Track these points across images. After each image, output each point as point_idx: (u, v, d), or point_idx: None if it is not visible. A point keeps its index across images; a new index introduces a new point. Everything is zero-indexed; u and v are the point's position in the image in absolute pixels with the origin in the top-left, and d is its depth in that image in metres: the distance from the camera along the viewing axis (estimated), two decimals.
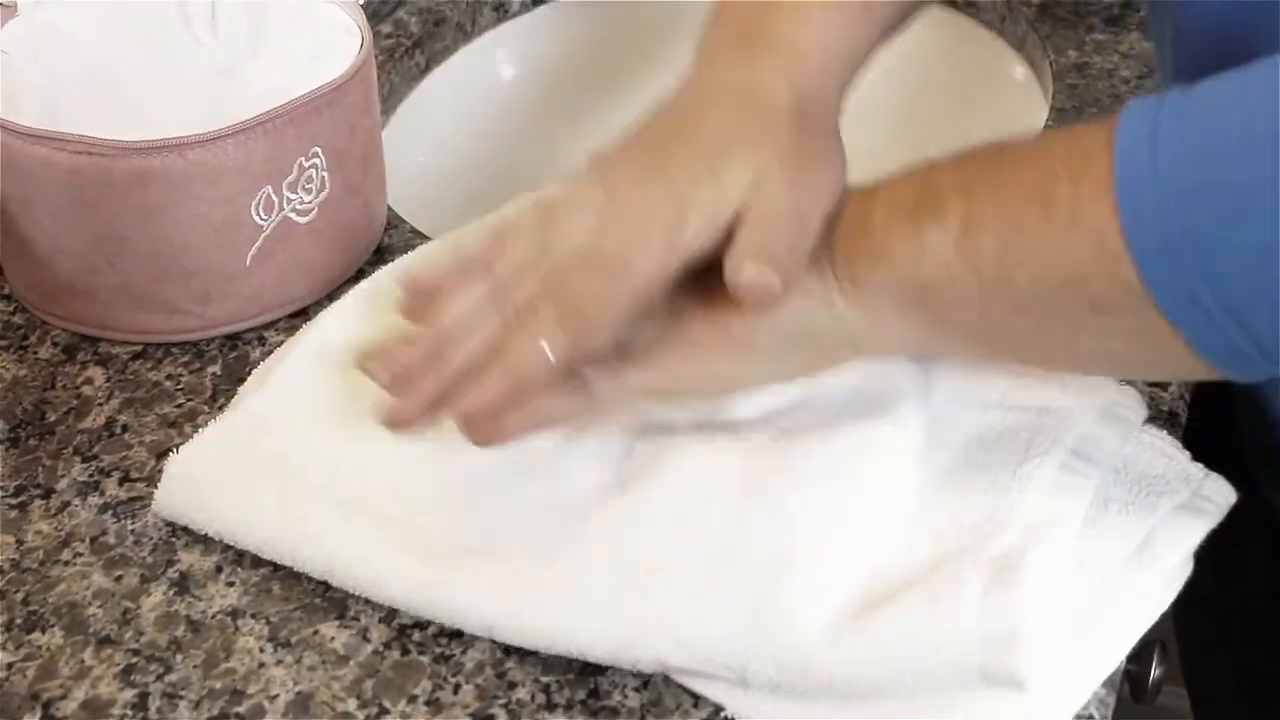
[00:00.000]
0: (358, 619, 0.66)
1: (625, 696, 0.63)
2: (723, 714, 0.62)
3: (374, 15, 1.08)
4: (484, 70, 1.15)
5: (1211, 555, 0.67)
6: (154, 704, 0.64)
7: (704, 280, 0.63)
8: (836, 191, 0.63)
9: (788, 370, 0.65)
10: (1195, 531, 0.66)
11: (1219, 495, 0.68)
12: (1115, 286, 0.55)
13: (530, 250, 0.63)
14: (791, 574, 0.63)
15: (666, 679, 0.64)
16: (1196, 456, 0.69)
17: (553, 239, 0.63)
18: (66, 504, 0.72)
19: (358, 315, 0.77)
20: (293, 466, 0.70)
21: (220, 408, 0.77)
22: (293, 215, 0.80)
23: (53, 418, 0.77)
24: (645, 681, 0.64)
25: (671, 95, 0.67)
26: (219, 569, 0.69)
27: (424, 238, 0.89)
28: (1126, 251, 0.54)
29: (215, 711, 0.63)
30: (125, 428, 0.76)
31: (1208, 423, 0.80)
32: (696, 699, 0.63)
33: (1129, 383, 0.72)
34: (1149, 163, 0.54)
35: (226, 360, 0.80)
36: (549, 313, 0.61)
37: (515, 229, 0.65)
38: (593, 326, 0.61)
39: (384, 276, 0.80)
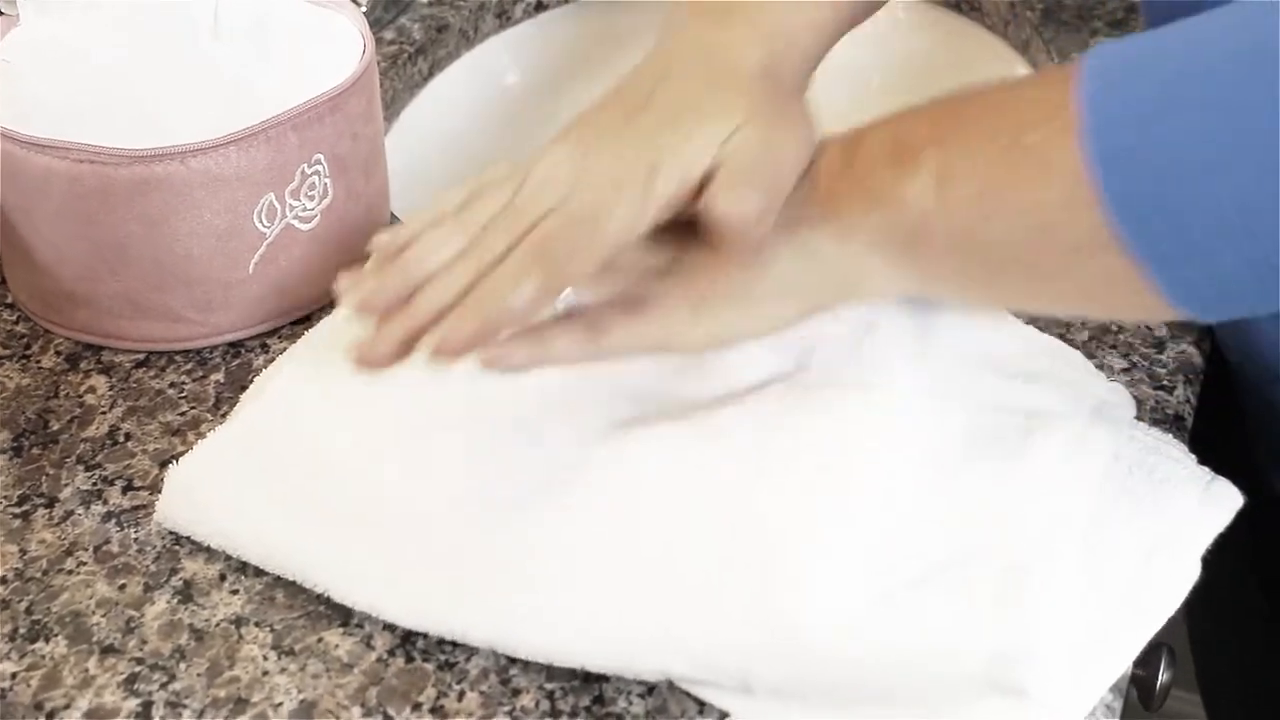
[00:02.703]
0: (361, 626, 0.66)
1: (630, 703, 0.63)
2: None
3: (376, 22, 1.08)
4: (486, 77, 1.15)
5: (1221, 558, 0.67)
6: (158, 713, 0.63)
7: (704, 237, 0.65)
8: (807, 149, 0.65)
9: (788, 317, 0.67)
10: (1203, 535, 0.66)
11: (1226, 498, 0.67)
12: (1088, 230, 0.56)
13: (503, 203, 0.66)
14: (791, 578, 0.62)
15: (671, 686, 0.63)
16: (1203, 460, 0.69)
17: (526, 193, 0.65)
18: (70, 513, 0.72)
19: (358, 323, 0.77)
20: (292, 478, 0.69)
21: (223, 415, 0.76)
22: (295, 222, 0.80)
23: (56, 426, 0.77)
24: (650, 688, 0.64)
25: (640, 64, 0.69)
26: (222, 577, 0.69)
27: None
28: (1096, 196, 0.55)
29: None
30: (128, 436, 0.76)
31: (1213, 425, 0.80)
32: (701, 705, 0.63)
33: (1129, 382, 0.71)
34: (1114, 108, 0.55)
35: (229, 368, 0.80)
36: (523, 258, 0.63)
37: (488, 185, 0.68)
38: (565, 272, 0.63)
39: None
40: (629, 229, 0.63)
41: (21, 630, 0.67)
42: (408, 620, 0.65)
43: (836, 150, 0.66)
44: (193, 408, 0.78)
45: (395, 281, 0.66)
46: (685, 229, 0.65)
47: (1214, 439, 0.77)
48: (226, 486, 0.70)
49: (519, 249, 0.64)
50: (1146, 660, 0.69)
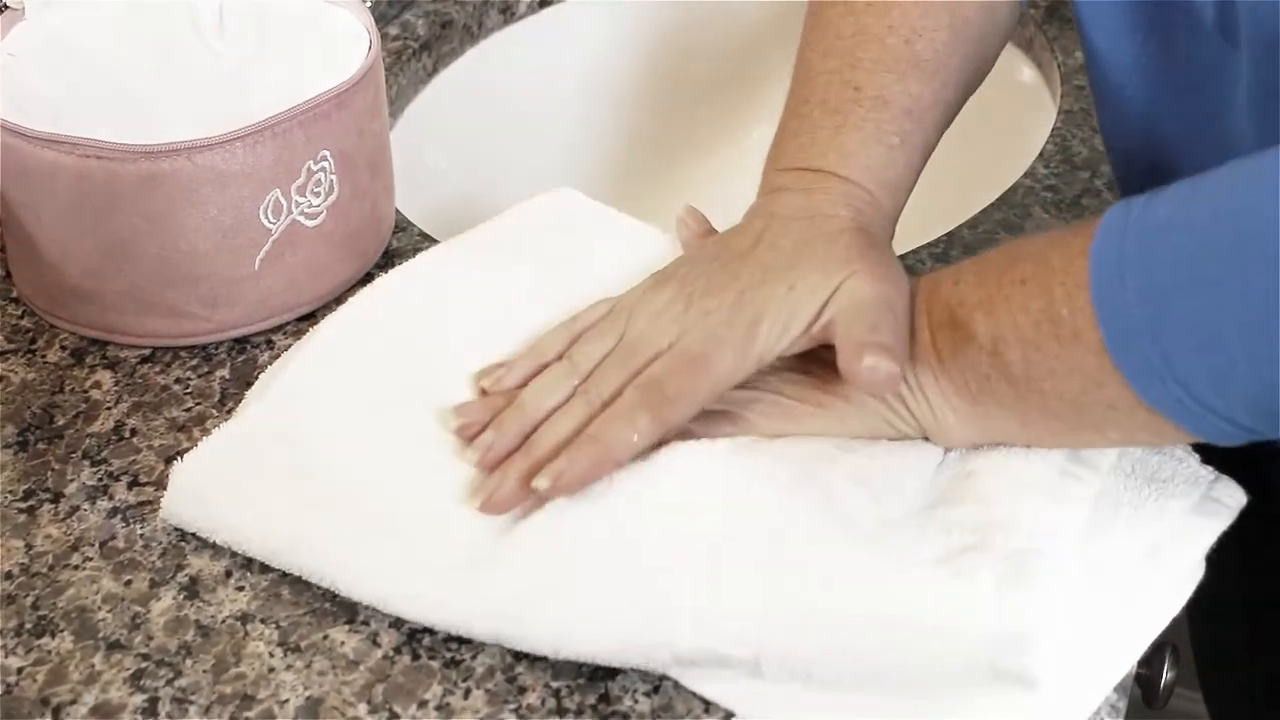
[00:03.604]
0: (368, 623, 0.66)
1: (636, 701, 0.63)
2: (733, 719, 0.62)
3: (381, 18, 1.08)
4: (491, 73, 1.15)
5: (1224, 557, 0.67)
6: (164, 709, 0.64)
7: (793, 363, 0.69)
8: (908, 291, 0.69)
9: (869, 435, 0.69)
10: (1206, 534, 0.66)
11: (1229, 497, 0.68)
12: (1122, 393, 0.61)
13: (608, 346, 0.70)
14: (800, 558, 0.63)
15: (677, 685, 0.63)
16: (1206, 459, 0.69)
17: (635, 335, 0.70)
18: (75, 508, 0.72)
19: (364, 319, 0.77)
20: (297, 475, 0.69)
21: (228, 411, 0.77)
22: (301, 219, 0.80)
23: (61, 422, 0.77)
24: (656, 686, 0.64)
25: (743, 220, 0.74)
26: (228, 573, 0.69)
27: (432, 240, 0.89)
28: (1119, 370, 0.60)
29: (225, 716, 0.63)
30: (134, 432, 0.76)
31: None
32: (707, 704, 0.63)
33: None
34: (1119, 295, 0.60)
35: (235, 364, 0.80)
36: (635, 398, 0.67)
37: (590, 327, 0.72)
38: (674, 411, 0.67)
39: (391, 279, 0.80)
40: (731, 375, 0.67)
41: (28, 625, 0.67)
42: (412, 611, 0.65)
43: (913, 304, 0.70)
44: (198, 404, 0.78)
45: (514, 428, 0.69)
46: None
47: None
48: (232, 483, 0.70)
49: (631, 388, 0.68)
50: (1150, 659, 0.70)
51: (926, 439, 0.69)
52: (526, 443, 0.69)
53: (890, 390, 0.66)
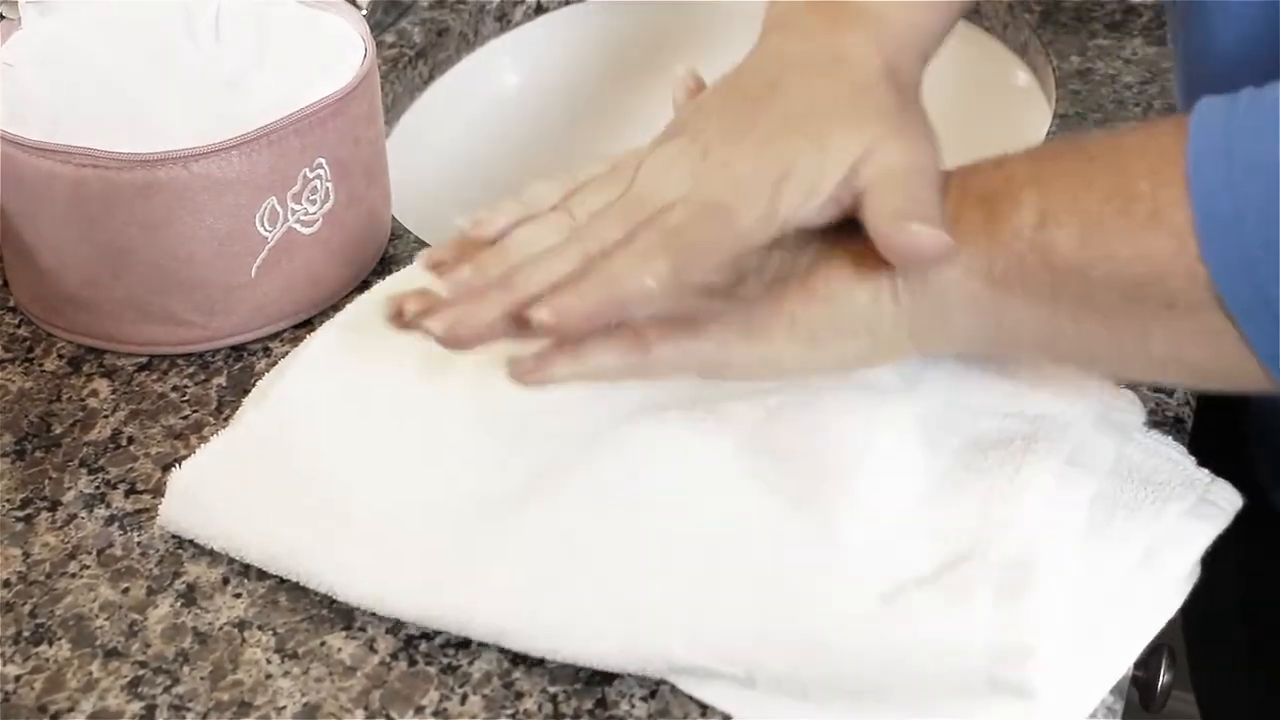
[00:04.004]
0: (364, 629, 0.66)
1: (633, 706, 0.63)
2: None
3: (377, 26, 1.08)
4: (487, 80, 1.15)
5: (1219, 560, 0.67)
6: (161, 716, 0.64)
7: (774, 261, 0.62)
8: (939, 155, 0.62)
9: (844, 361, 0.63)
10: (1202, 537, 0.66)
11: (1225, 500, 0.68)
12: (1191, 287, 0.55)
13: (613, 197, 0.62)
14: (797, 568, 0.63)
15: (674, 689, 0.64)
16: (1202, 462, 0.69)
17: (643, 184, 0.61)
18: (73, 516, 0.72)
19: (361, 327, 0.77)
20: (295, 481, 0.70)
21: (226, 419, 0.77)
22: (297, 226, 0.80)
23: (58, 430, 0.77)
24: (653, 691, 0.64)
25: (748, 60, 0.65)
26: (226, 580, 0.69)
27: (429, 247, 0.89)
28: (1203, 256, 0.54)
29: None
30: (131, 440, 0.76)
31: (1213, 428, 0.80)
32: (704, 708, 0.63)
33: (1131, 386, 0.72)
34: (1223, 173, 0.53)
35: (232, 371, 0.80)
36: (653, 241, 0.59)
37: (588, 180, 0.64)
38: (695, 263, 0.59)
39: (387, 287, 0.80)
40: (757, 233, 0.59)
41: (25, 633, 0.67)
42: (410, 614, 0.65)
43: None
44: (195, 411, 0.78)
45: (494, 266, 0.61)
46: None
47: (1213, 441, 0.77)
48: (229, 490, 0.70)
49: (644, 234, 0.59)
50: (1147, 661, 0.70)
51: (913, 345, 0.62)
52: (505, 277, 0.60)
53: (940, 261, 0.58)
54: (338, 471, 0.70)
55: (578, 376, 0.61)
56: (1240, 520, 0.67)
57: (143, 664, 0.66)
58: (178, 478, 0.71)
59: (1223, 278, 0.54)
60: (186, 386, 0.79)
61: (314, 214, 0.81)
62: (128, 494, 0.73)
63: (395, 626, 0.66)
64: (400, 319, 0.62)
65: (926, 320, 0.61)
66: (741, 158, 0.60)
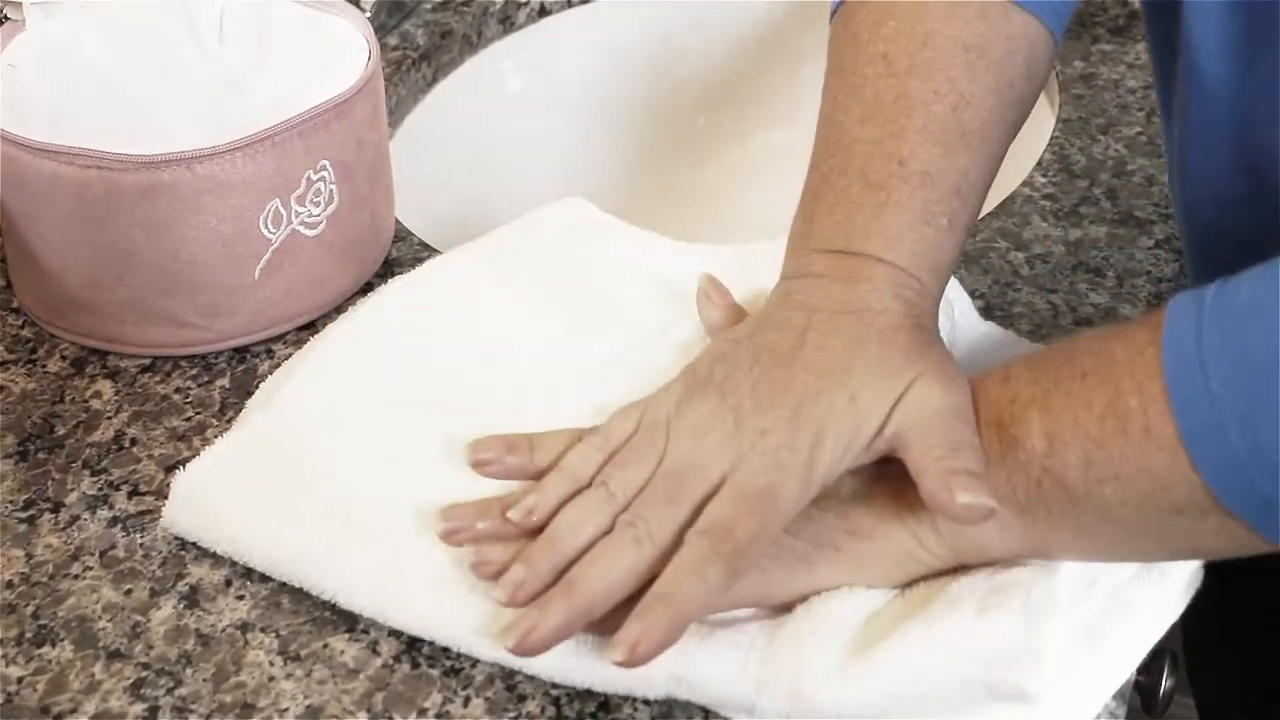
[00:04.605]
0: (367, 632, 0.66)
1: (635, 710, 0.63)
2: None
3: (381, 28, 1.08)
4: (491, 82, 1.15)
5: (1221, 565, 0.67)
6: (164, 718, 0.64)
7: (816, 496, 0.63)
8: (969, 392, 0.63)
9: (886, 582, 0.64)
10: None
11: None
12: (1193, 495, 0.56)
13: (648, 469, 0.63)
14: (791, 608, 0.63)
15: None
16: None
17: (678, 461, 0.62)
18: (76, 518, 0.72)
19: (365, 330, 0.78)
20: (298, 486, 0.69)
21: (229, 421, 0.77)
22: (301, 228, 0.80)
23: (62, 431, 0.77)
24: None
25: (773, 311, 0.67)
26: (228, 582, 0.69)
27: (432, 250, 0.89)
28: (1195, 467, 0.56)
29: None
30: (134, 441, 0.76)
31: None
32: (707, 714, 0.63)
33: None
34: (1200, 385, 0.55)
35: (235, 373, 0.80)
36: (703, 548, 0.60)
37: (623, 445, 0.65)
38: (746, 560, 0.60)
39: (391, 290, 0.80)
40: (797, 507, 0.61)
41: (28, 635, 0.67)
42: (414, 628, 0.65)
43: None
44: (198, 413, 0.78)
45: (546, 565, 0.62)
46: None
47: None
48: (233, 493, 0.70)
49: (695, 534, 0.60)
50: (1149, 667, 0.69)
51: (954, 563, 0.63)
52: (566, 578, 0.61)
53: (981, 523, 0.60)
54: (341, 477, 0.70)
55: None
56: None
57: (145, 666, 0.66)
58: (181, 479, 0.71)
59: (1217, 485, 0.56)
60: (189, 388, 0.79)
61: (317, 216, 0.81)
62: (130, 495, 0.73)
63: (398, 629, 0.66)
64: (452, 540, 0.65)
65: (967, 544, 0.62)
66: (777, 426, 0.61)
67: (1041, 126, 1.02)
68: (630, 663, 0.59)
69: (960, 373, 0.64)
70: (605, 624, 0.61)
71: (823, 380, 0.62)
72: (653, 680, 0.62)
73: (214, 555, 0.70)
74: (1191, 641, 0.98)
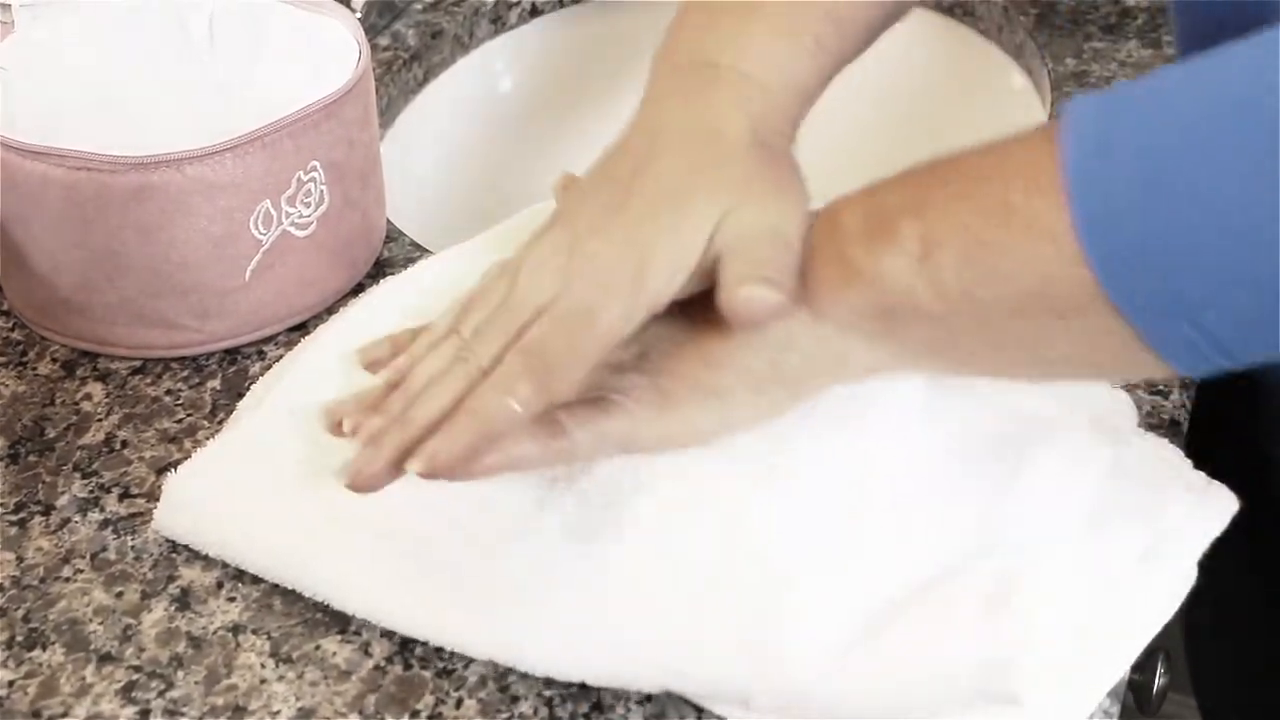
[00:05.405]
0: (359, 634, 0.66)
1: (628, 711, 0.63)
2: None
3: (371, 28, 1.08)
4: (482, 82, 1.15)
5: (1216, 562, 0.67)
6: None
7: (673, 330, 0.63)
8: (805, 213, 0.62)
9: (760, 413, 0.64)
10: (1199, 540, 0.66)
11: (1222, 503, 0.68)
12: (1077, 291, 0.54)
13: (494, 308, 0.63)
14: (787, 598, 0.62)
15: (670, 694, 0.63)
16: (1199, 464, 0.69)
17: (516, 295, 0.63)
18: (67, 520, 0.72)
19: (356, 331, 0.77)
20: (290, 487, 0.69)
21: (220, 422, 0.76)
22: (292, 229, 0.80)
23: (52, 434, 0.77)
24: (648, 695, 0.64)
25: (624, 136, 0.66)
26: (220, 585, 0.69)
27: (424, 250, 0.89)
28: (1084, 256, 0.53)
29: None
30: (125, 443, 0.76)
31: (1210, 429, 0.80)
32: (700, 712, 0.63)
33: (1125, 387, 0.72)
34: (1100, 165, 0.53)
35: (226, 375, 0.80)
36: (515, 365, 0.61)
37: (479, 291, 0.66)
38: (559, 378, 0.60)
39: (383, 291, 0.80)
40: (620, 329, 0.61)
41: (19, 638, 0.67)
42: (406, 628, 0.65)
43: (808, 229, 0.63)
44: (189, 415, 0.78)
45: (397, 408, 0.63)
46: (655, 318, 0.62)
47: (1210, 443, 0.77)
48: (224, 495, 0.70)
49: (508, 356, 0.61)
50: (1143, 665, 0.70)
51: (824, 384, 0.63)
52: (402, 415, 0.62)
53: (772, 320, 0.60)
54: (332, 479, 0.70)
55: (503, 468, 0.62)
56: (1237, 523, 0.67)
57: (137, 668, 0.65)
58: (173, 482, 0.71)
59: (1107, 277, 0.53)
60: (180, 390, 0.79)
61: (308, 217, 0.81)
62: (121, 498, 0.73)
63: (390, 630, 0.66)
64: (338, 430, 0.65)
65: (833, 359, 0.62)
66: (607, 247, 0.61)
67: (1034, 124, 1.02)
68: (430, 472, 0.59)
69: (798, 192, 0.63)
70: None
71: (655, 204, 0.62)
72: (644, 672, 0.62)
73: (205, 557, 0.70)
74: (1192, 641, 0.99)
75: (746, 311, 0.59)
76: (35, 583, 0.69)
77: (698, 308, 0.62)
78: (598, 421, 0.62)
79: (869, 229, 0.59)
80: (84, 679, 0.65)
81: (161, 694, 0.64)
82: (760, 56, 0.65)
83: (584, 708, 0.63)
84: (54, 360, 0.82)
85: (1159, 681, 0.73)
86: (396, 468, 0.61)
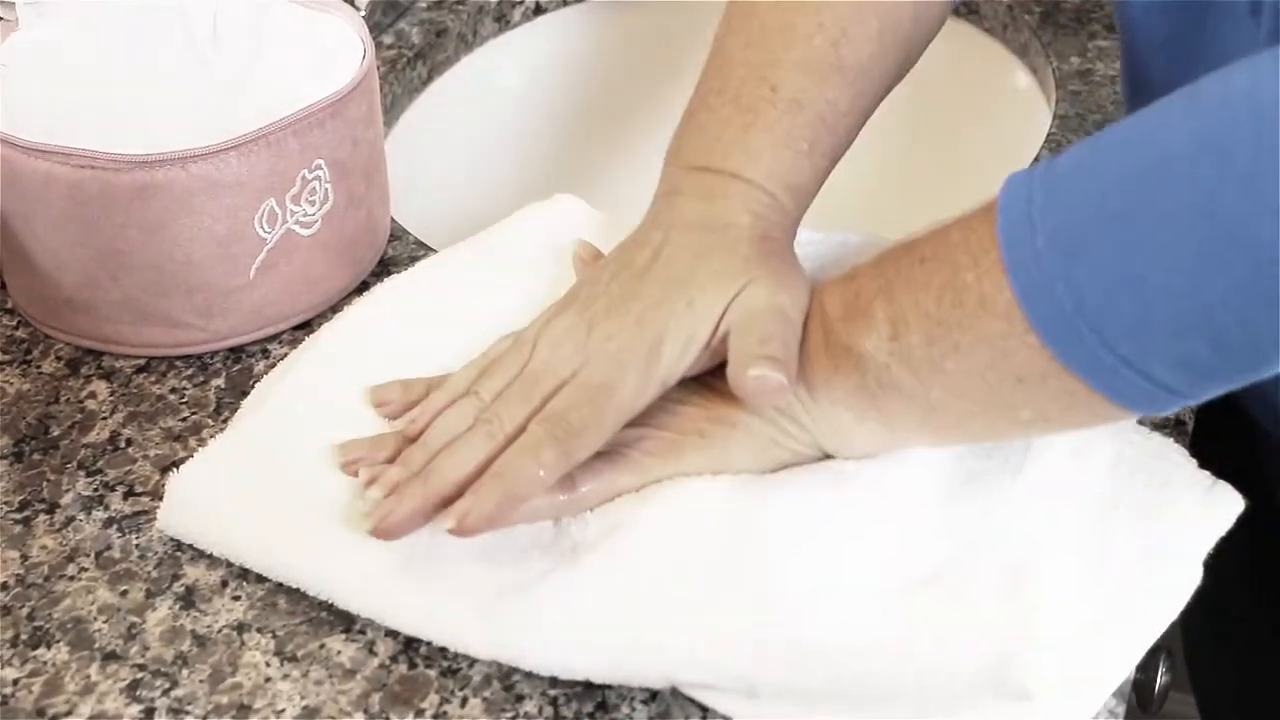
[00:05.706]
0: (364, 632, 0.66)
1: (633, 709, 0.63)
2: None
3: (376, 26, 1.08)
4: (486, 80, 1.15)
5: (1220, 562, 0.67)
6: (160, 719, 0.63)
7: (680, 390, 0.68)
8: (806, 295, 0.68)
9: (754, 467, 0.68)
10: (1204, 539, 0.66)
11: (1227, 502, 0.68)
12: (1034, 357, 0.59)
13: (512, 376, 0.68)
14: (792, 591, 0.63)
15: (674, 692, 0.63)
16: (1204, 464, 0.69)
17: (536, 365, 0.68)
18: (71, 519, 0.72)
19: (360, 329, 0.77)
20: (295, 486, 0.69)
21: (224, 421, 0.76)
22: (296, 228, 0.80)
23: (57, 432, 0.77)
24: (653, 694, 0.64)
25: (639, 230, 0.72)
26: (224, 583, 0.69)
27: (428, 249, 0.89)
28: (1031, 327, 0.58)
29: None
30: (129, 442, 0.76)
31: (1214, 430, 0.80)
32: (705, 711, 0.63)
33: None
34: (1029, 243, 0.58)
35: (230, 373, 0.80)
36: (539, 432, 0.65)
37: (495, 357, 0.71)
38: (580, 445, 0.65)
39: (387, 289, 0.80)
40: (636, 402, 0.66)
41: (23, 636, 0.67)
42: (408, 628, 0.65)
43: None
44: (194, 413, 0.78)
45: (417, 462, 0.67)
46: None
47: (1215, 443, 0.77)
48: (228, 494, 0.70)
49: (535, 422, 0.66)
50: (1146, 663, 0.69)
51: (826, 456, 0.68)
52: (425, 469, 0.67)
53: (777, 401, 0.65)
54: (336, 476, 0.70)
55: (514, 520, 0.66)
56: (1242, 522, 0.67)
57: (141, 667, 0.65)
58: (177, 481, 0.71)
59: (1053, 342, 0.58)
60: (185, 388, 0.79)
61: (312, 215, 0.81)
62: (126, 496, 0.73)
63: (394, 629, 0.66)
64: (351, 470, 0.69)
65: (828, 434, 0.67)
66: (622, 331, 0.67)
67: (1038, 122, 1.02)
68: (460, 530, 0.63)
69: (798, 278, 0.69)
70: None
71: (667, 290, 0.67)
72: (648, 667, 0.62)
73: (210, 556, 0.70)
74: (1191, 639, 0.99)
75: (755, 390, 0.64)
76: (40, 581, 0.69)
77: (708, 376, 0.68)
78: (608, 476, 0.67)
79: (847, 313, 0.65)
80: (88, 677, 0.65)
81: (166, 692, 0.64)
82: (761, 165, 0.71)
83: (589, 707, 0.63)
84: (58, 359, 0.82)
85: (1161, 680, 0.73)
86: (420, 518, 0.65)
